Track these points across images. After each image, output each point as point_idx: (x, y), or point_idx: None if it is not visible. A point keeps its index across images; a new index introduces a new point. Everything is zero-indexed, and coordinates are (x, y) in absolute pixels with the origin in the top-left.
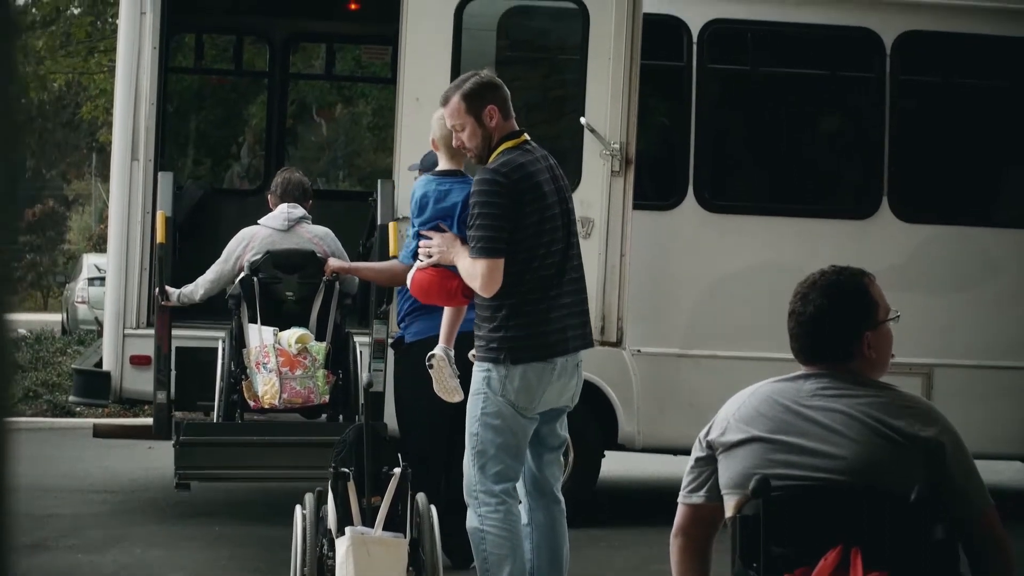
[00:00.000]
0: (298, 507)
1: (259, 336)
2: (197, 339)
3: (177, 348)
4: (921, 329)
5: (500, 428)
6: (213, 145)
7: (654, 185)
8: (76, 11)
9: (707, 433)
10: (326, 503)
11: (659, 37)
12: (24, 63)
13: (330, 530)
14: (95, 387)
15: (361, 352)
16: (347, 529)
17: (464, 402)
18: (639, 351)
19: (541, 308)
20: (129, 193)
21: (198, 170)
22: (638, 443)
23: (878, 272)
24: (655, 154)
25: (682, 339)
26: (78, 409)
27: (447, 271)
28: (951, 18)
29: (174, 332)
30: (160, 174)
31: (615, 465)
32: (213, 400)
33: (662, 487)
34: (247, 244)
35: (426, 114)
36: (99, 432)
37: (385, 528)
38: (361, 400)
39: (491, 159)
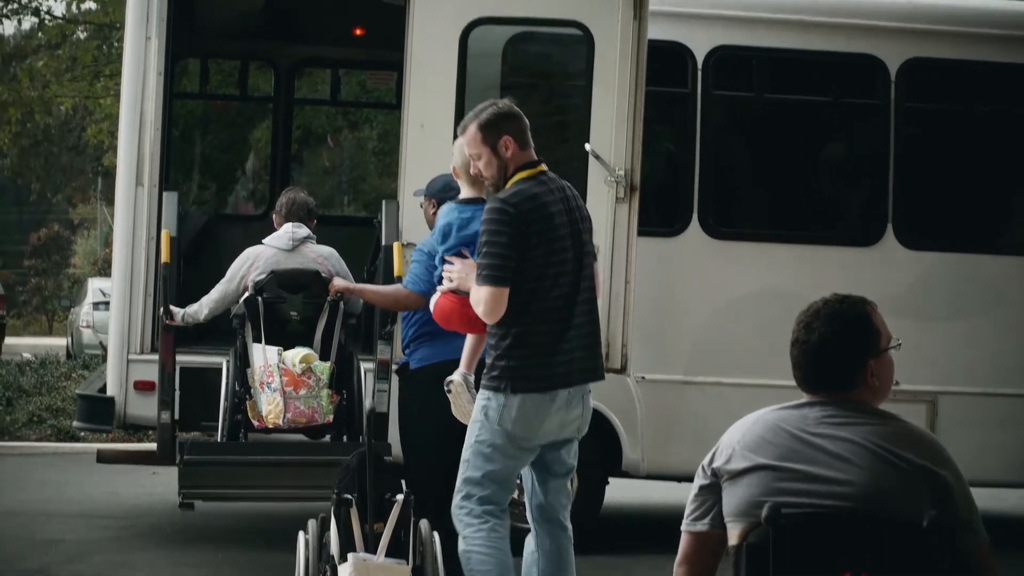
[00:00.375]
0: (301, 533)
1: (263, 356)
2: (201, 359)
3: (181, 368)
4: (925, 356)
5: (491, 457)
6: (218, 170)
7: (659, 211)
8: (82, 35)
9: (711, 461)
10: (329, 529)
11: (664, 63)
12: (30, 87)
13: (333, 556)
14: (99, 412)
15: (365, 373)
16: (349, 555)
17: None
18: (643, 378)
19: (546, 339)
20: (134, 218)
21: (203, 195)
22: (642, 470)
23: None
24: (660, 180)
25: (686, 366)
26: (82, 434)
27: (468, 299)
28: (956, 45)
29: (178, 354)
30: (165, 194)
31: (619, 492)
32: (217, 420)
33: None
34: (251, 264)
35: (431, 140)
36: (103, 457)
37: (388, 554)
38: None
39: (506, 188)
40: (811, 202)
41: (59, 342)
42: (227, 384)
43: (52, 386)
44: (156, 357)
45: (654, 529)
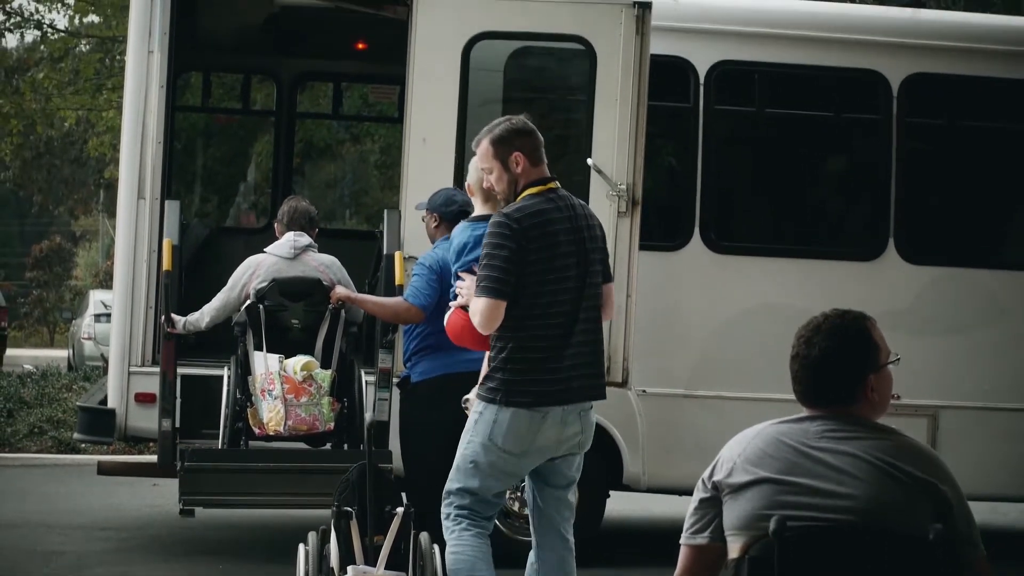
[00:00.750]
0: (301, 545)
1: (265, 363)
2: (202, 368)
3: (182, 377)
4: (927, 371)
5: (471, 473)
6: (220, 183)
7: (660, 226)
8: (85, 48)
9: (711, 474)
10: (329, 541)
11: (666, 78)
12: (33, 99)
13: (333, 568)
14: (100, 424)
15: (367, 384)
16: (349, 568)
17: None
18: (645, 391)
19: (542, 356)
20: (135, 231)
21: (205, 207)
22: (643, 483)
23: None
24: (662, 195)
25: (688, 379)
26: (83, 446)
27: None
28: (958, 60)
29: (179, 366)
30: (167, 203)
31: (620, 505)
32: (218, 428)
33: (668, 527)
34: (253, 272)
35: (433, 154)
36: (104, 469)
37: (388, 567)
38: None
39: (514, 203)
40: (813, 217)
41: (60, 354)
42: (228, 391)
43: (53, 398)
44: (157, 369)
45: (655, 542)
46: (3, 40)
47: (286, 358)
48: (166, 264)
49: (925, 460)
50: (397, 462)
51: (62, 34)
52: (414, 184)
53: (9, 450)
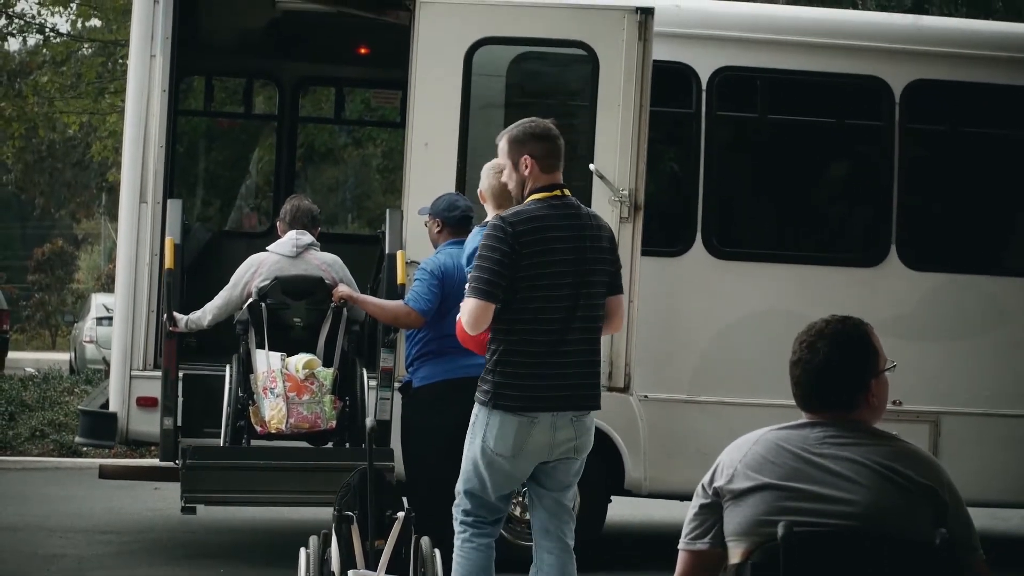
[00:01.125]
0: (302, 549)
1: (267, 361)
2: (204, 368)
3: (184, 376)
4: (929, 377)
5: (469, 476)
6: (222, 187)
7: (663, 231)
8: (88, 51)
9: (711, 480)
10: (330, 545)
11: (668, 84)
12: (35, 103)
13: (334, 573)
14: (101, 428)
15: (368, 386)
16: (350, 572)
17: None
18: (646, 397)
19: (531, 361)
20: (137, 235)
21: (207, 211)
22: (645, 489)
23: (886, 320)
24: (664, 200)
25: (689, 385)
26: (84, 449)
27: None
28: (961, 67)
29: (180, 369)
30: (169, 202)
31: (622, 510)
32: (219, 428)
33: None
34: (255, 270)
35: (435, 159)
36: (105, 473)
37: (389, 571)
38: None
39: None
40: (815, 223)
41: (62, 357)
42: (230, 390)
43: (55, 401)
44: (158, 374)
45: (656, 547)
46: (5, 44)
47: (288, 356)
48: (168, 262)
49: (925, 465)
50: (399, 466)
51: (64, 38)
52: (416, 189)
53: (10, 453)
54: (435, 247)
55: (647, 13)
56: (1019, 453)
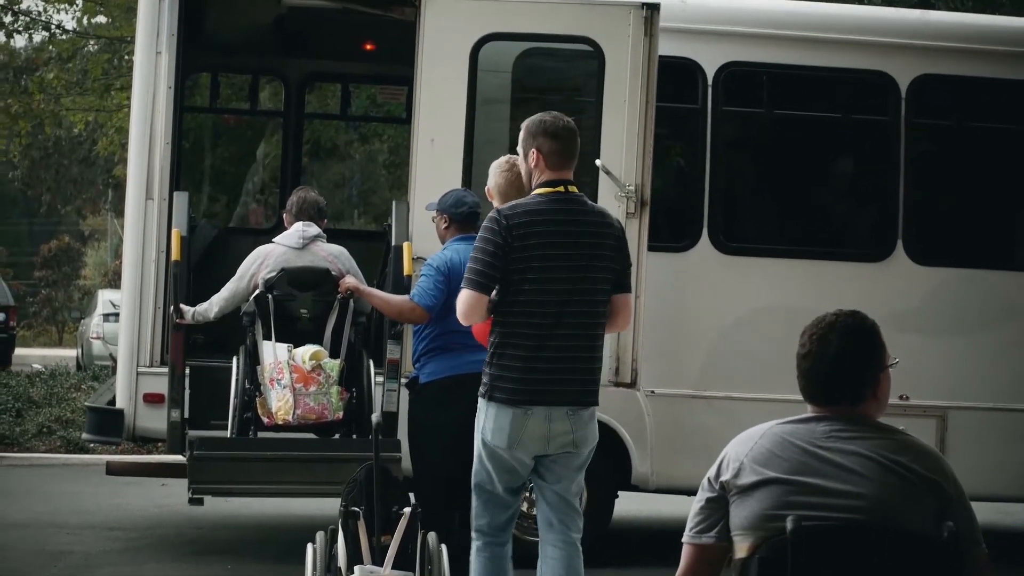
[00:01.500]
0: (309, 545)
1: (273, 353)
2: (211, 361)
3: (191, 367)
4: (936, 371)
5: (480, 466)
6: (228, 183)
7: (669, 227)
8: (94, 48)
9: (717, 474)
10: (337, 541)
11: (674, 79)
12: (41, 100)
13: (340, 568)
14: (108, 425)
15: (375, 380)
16: (356, 567)
17: None
18: (653, 392)
19: (522, 354)
20: (144, 231)
21: (213, 207)
22: (652, 484)
23: (893, 315)
24: (670, 196)
25: (696, 380)
26: (91, 446)
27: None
28: (966, 62)
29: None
30: (175, 194)
31: (629, 505)
32: (226, 420)
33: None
34: (262, 262)
35: (441, 155)
36: (112, 469)
37: (395, 567)
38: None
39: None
40: (821, 218)
41: (69, 353)
42: (237, 381)
43: (62, 397)
44: (165, 370)
45: (663, 543)
46: (11, 41)
47: (295, 347)
48: (175, 254)
49: (929, 458)
50: (405, 460)
51: (70, 35)
52: (422, 185)
53: (18, 450)
54: (442, 243)
55: (653, 9)
56: None
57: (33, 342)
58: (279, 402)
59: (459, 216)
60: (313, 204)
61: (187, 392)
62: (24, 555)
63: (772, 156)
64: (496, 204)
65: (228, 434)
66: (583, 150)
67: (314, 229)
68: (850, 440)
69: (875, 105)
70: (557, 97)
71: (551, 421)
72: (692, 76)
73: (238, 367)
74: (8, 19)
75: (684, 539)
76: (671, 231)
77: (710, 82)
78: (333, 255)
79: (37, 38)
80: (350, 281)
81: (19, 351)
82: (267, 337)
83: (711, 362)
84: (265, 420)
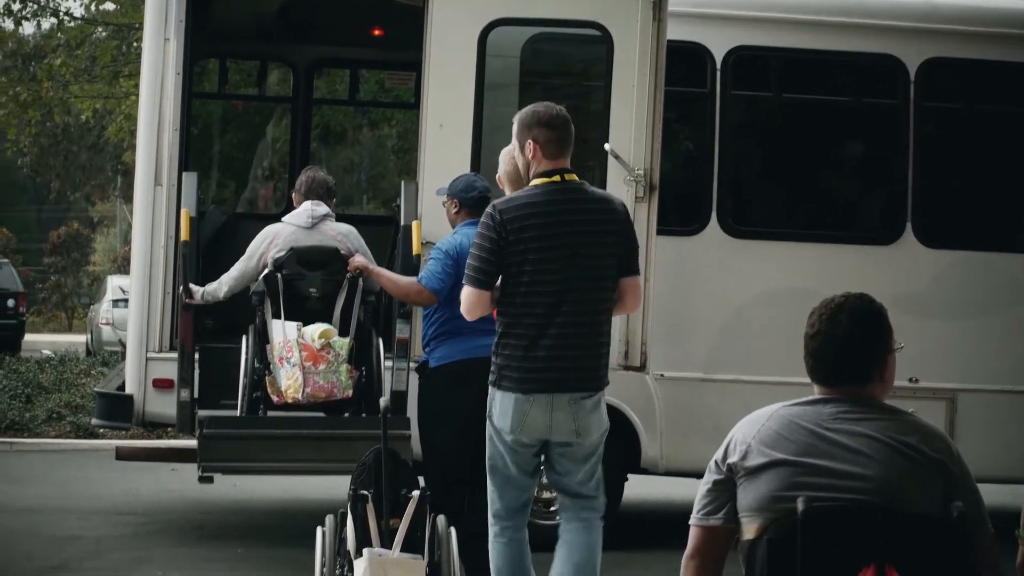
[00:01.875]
0: (319, 528)
1: (283, 331)
2: (220, 342)
3: (201, 348)
4: (945, 354)
5: (492, 453)
6: (237, 169)
7: (678, 211)
8: (102, 34)
9: (724, 456)
10: (347, 524)
11: (683, 64)
12: (50, 87)
13: (350, 551)
14: (117, 410)
15: (384, 360)
16: (364, 551)
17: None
18: (662, 375)
19: (522, 343)
20: (152, 218)
21: (222, 193)
22: (661, 467)
23: (902, 298)
24: (679, 180)
25: (705, 363)
26: (101, 431)
27: None
28: (975, 45)
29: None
30: (185, 175)
31: (638, 489)
32: (236, 399)
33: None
34: (271, 241)
35: (449, 140)
36: (122, 454)
37: (404, 550)
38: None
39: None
40: (830, 201)
41: (79, 339)
42: (246, 360)
43: (71, 383)
44: (175, 355)
45: (672, 525)
46: (20, 28)
47: (304, 326)
48: (184, 234)
49: (936, 440)
50: (416, 445)
51: (78, 21)
52: (431, 170)
53: (27, 435)
54: (453, 228)
55: None
56: None
57: (43, 328)
58: (288, 380)
59: (469, 201)
60: (322, 184)
61: (197, 372)
62: (34, 540)
63: (781, 140)
64: (507, 191)
65: (238, 413)
66: (592, 135)
67: (323, 208)
68: (857, 422)
69: (884, 89)
70: (565, 82)
71: (553, 410)
72: (701, 60)
73: (247, 346)
74: (16, 6)
75: (691, 521)
76: (680, 215)
77: (719, 66)
78: (342, 234)
79: (45, 25)
80: (359, 260)
81: (29, 337)
82: (276, 316)
83: (720, 345)
84: (275, 399)
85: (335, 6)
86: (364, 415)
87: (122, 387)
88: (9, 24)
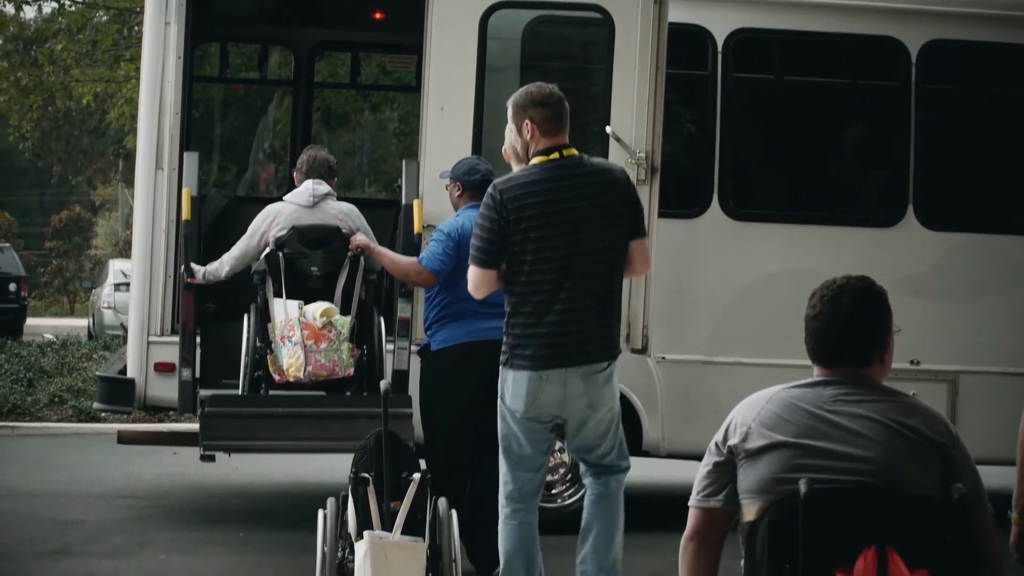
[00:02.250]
0: (321, 511)
1: (284, 310)
2: (222, 322)
3: (202, 331)
4: (946, 336)
5: (504, 434)
6: (238, 152)
7: (679, 193)
8: (103, 18)
9: (724, 438)
10: (348, 507)
11: (684, 46)
12: (51, 71)
13: (350, 534)
14: (119, 394)
15: (384, 342)
16: (366, 533)
17: (488, 407)
18: (664, 358)
19: (528, 320)
20: (153, 202)
21: (224, 176)
22: (663, 449)
23: (903, 280)
24: (680, 163)
25: (707, 346)
26: (103, 415)
27: None
28: (976, 27)
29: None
30: (186, 154)
31: (640, 472)
32: (238, 379)
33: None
34: (272, 220)
35: (450, 123)
36: (124, 438)
37: (404, 533)
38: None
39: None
40: (831, 184)
41: (80, 323)
42: (248, 339)
43: (73, 367)
44: (176, 339)
45: (673, 508)
46: (21, 12)
47: (305, 304)
48: (185, 214)
49: (935, 422)
50: (417, 429)
51: (79, 5)
52: (432, 153)
53: (29, 419)
54: (455, 210)
55: None
56: None
57: (44, 312)
58: (290, 359)
59: (472, 183)
60: (323, 162)
61: (198, 352)
62: (36, 524)
63: (782, 122)
64: (513, 164)
65: (240, 392)
66: (593, 118)
67: (324, 187)
68: (857, 404)
69: (885, 71)
70: (566, 65)
71: (566, 384)
72: (702, 43)
73: (249, 325)
74: None
75: (691, 502)
76: (682, 198)
77: (720, 49)
78: (344, 213)
79: (47, 9)
80: (360, 239)
81: (30, 321)
82: (278, 295)
83: (721, 328)
84: (276, 377)
85: None
86: (366, 394)
87: (124, 371)
88: (10, 9)
